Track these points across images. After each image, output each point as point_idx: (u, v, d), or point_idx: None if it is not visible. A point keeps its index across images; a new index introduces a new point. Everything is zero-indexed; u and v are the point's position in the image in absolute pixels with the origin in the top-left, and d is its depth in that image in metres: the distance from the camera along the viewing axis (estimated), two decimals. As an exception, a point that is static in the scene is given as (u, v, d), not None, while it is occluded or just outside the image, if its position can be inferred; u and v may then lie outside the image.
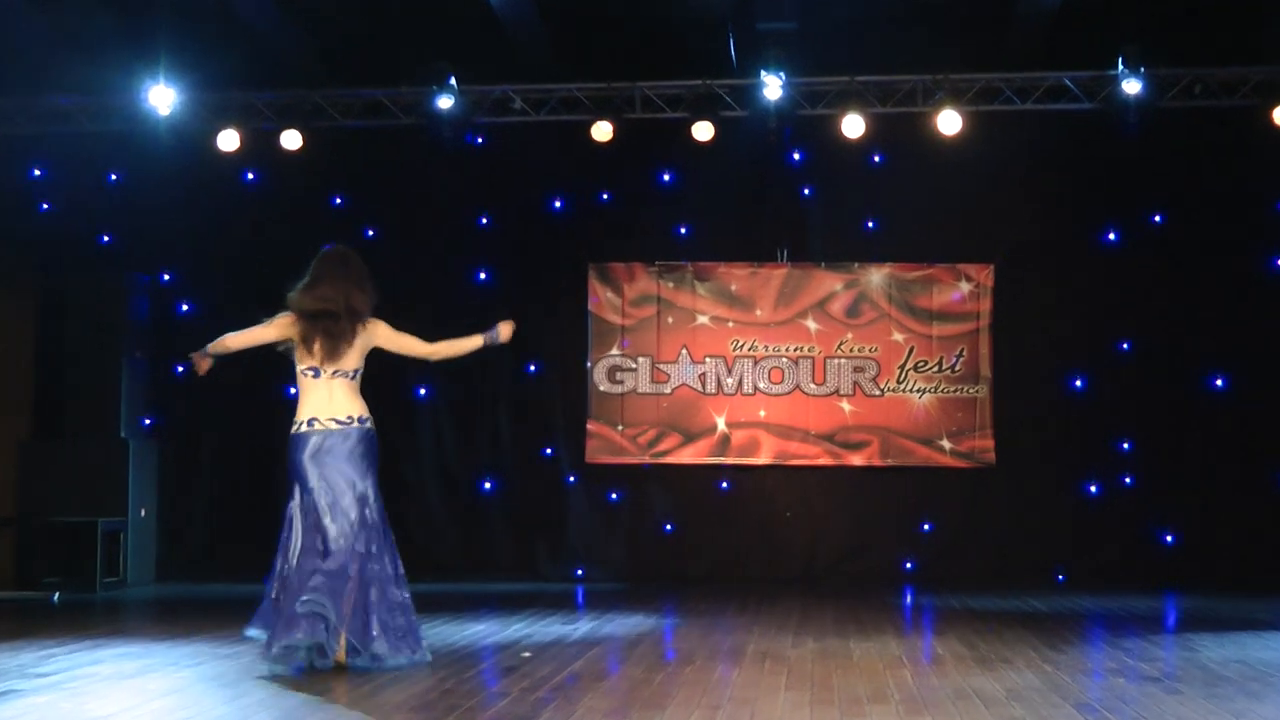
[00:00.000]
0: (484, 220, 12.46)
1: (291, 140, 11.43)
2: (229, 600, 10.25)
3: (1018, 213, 12.11)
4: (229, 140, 11.41)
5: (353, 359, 7.07)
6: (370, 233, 12.37)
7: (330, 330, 6.98)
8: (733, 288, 12.35)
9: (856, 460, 12.20)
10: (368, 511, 7.00)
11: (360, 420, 7.07)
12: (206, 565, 12.20)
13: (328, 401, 7.02)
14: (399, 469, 12.28)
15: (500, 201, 12.45)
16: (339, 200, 12.47)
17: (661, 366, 12.35)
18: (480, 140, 12.14)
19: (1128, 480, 12.03)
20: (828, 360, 12.26)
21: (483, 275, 12.43)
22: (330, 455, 6.96)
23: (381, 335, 7.17)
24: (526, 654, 7.69)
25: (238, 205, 12.39)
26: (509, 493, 12.40)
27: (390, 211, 12.46)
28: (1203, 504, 11.87)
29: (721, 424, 12.27)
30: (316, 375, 7.02)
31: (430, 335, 7.42)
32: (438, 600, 10.58)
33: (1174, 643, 8.19)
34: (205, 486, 12.48)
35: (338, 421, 7.00)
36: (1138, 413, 12.04)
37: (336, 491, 6.94)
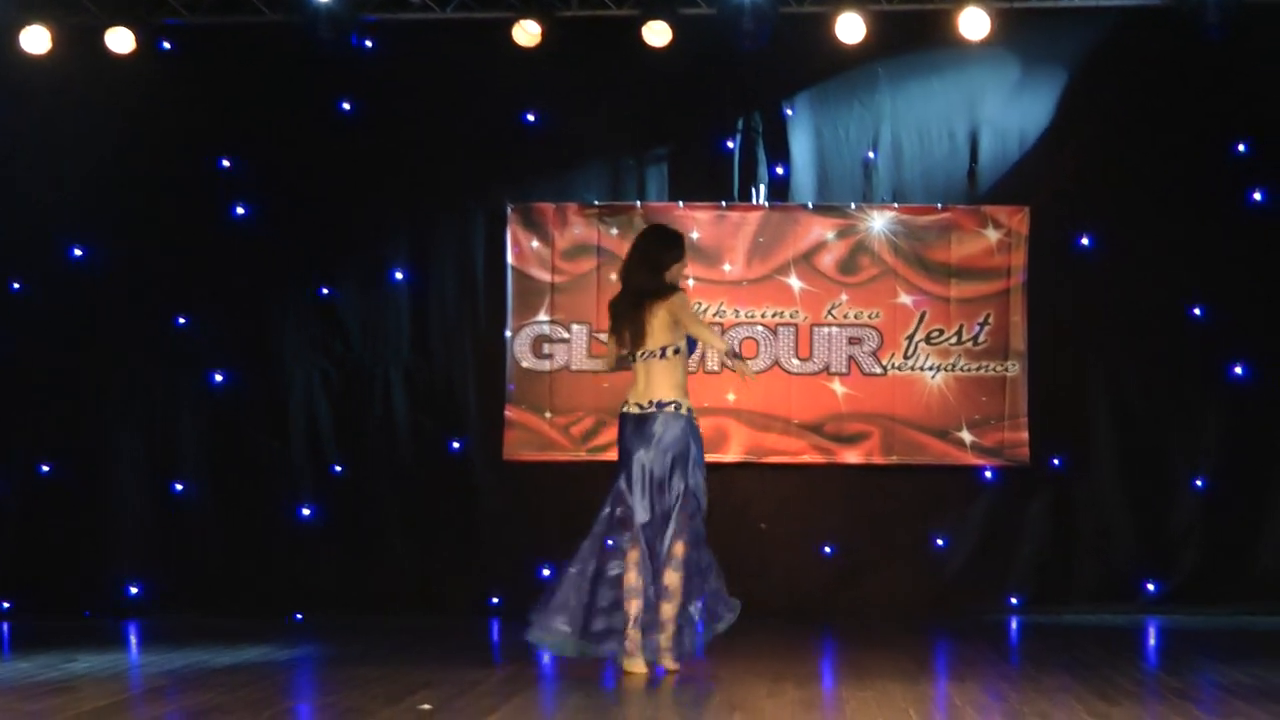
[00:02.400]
0: (373, 147, 12.34)
1: (121, 41, 11.27)
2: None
3: (1061, 141, 12.13)
4: (36, 40, 11.26)
5: (655, 338, 8.60)
6: (225, 163, 12.37)
7: (618, 312, 8.76)
8: (694, 235, 12.28)
9: (851, 457, 12.19)
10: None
11: (658, 405, 8.64)
12: None
13: (635, 386, 8.75)
14: (261, 463, 12.26)
15: (394, 123, 12.36)
16: (182, 122, 12.29)
17: (602, 336, 12.20)
18: (370, 44, 12.09)
19: (1199, 483, 12.09)
20: (815, 329, 12.24)
21: (370, 217, 12.37)
22: (631, 441, 8.75)
23: (674, 308, 8.61)
24: (426, 707, 7.62)
25: (46, 125, 12.26)
26: (403, 499, 12.33)
27: (250, 137, 12.34)
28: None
29: (679, 410, 12.22)
30: (632, 361, 8.73)
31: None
32: (312, 635, 10.52)
33: (1258, 689, 8.17)
34: None
35: (640, 407, 8.71)
36: (1215, 399, 12.11)
37: (632, 478, 8.77)
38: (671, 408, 8.60)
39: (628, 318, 8.66)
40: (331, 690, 8.30)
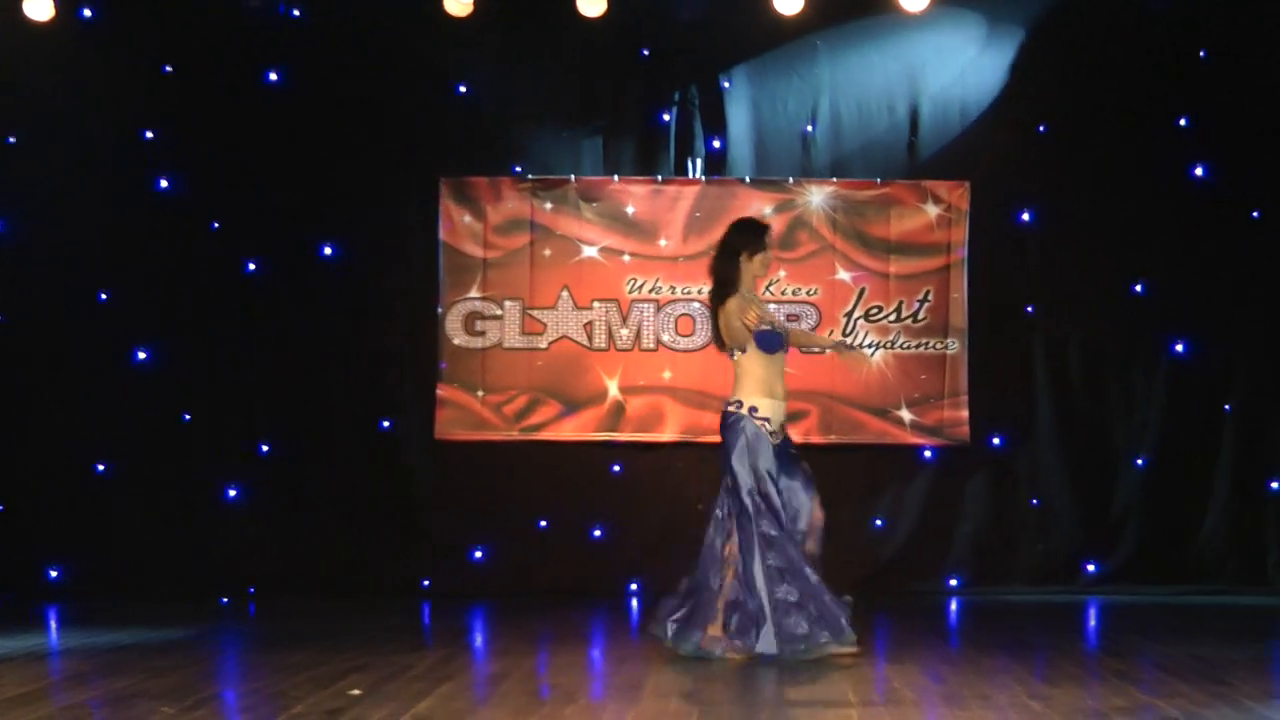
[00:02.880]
0: (301, 119, 12.22)
1: (40, 8, 11.23)
2: None
3: (1001, 115, 12.17)
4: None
5: (727, 338, 8.82)
6: (148, 134, 12.26)
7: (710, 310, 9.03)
8: (630, 210, 12.26)
9: (791, 434, 12.14)
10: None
11: (724, 403, 8.90)
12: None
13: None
14: (186, 442, 12.17)
15: (323, 94, 12.25)
16: (104, 92, 12.10)
17: (535, 313, 12.23)
18: (297, 13, 12.05)
19: (1139, 462, 12.18)
20: (753, 306, 12.20)
21: (299, 190, 12.23)
22: None
23: (726, 314, 8.82)
24: (356, 692, 7.56)
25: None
26: (333, 479, 12.24)
27: (175, 108, 12.23)
28: (1238, 490, 12.15)
29: (614, 389, 12.23)
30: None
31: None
32: (238, 619, 10.43)
33: (1197, 668, 8.20)
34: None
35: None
36: (1156, 377, 12.20)
37: None
38: (733, 407, 8.79)
39: (711, 317, 8.98)
40: (259, 675, 8.21)
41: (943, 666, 8.40)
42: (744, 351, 8.75)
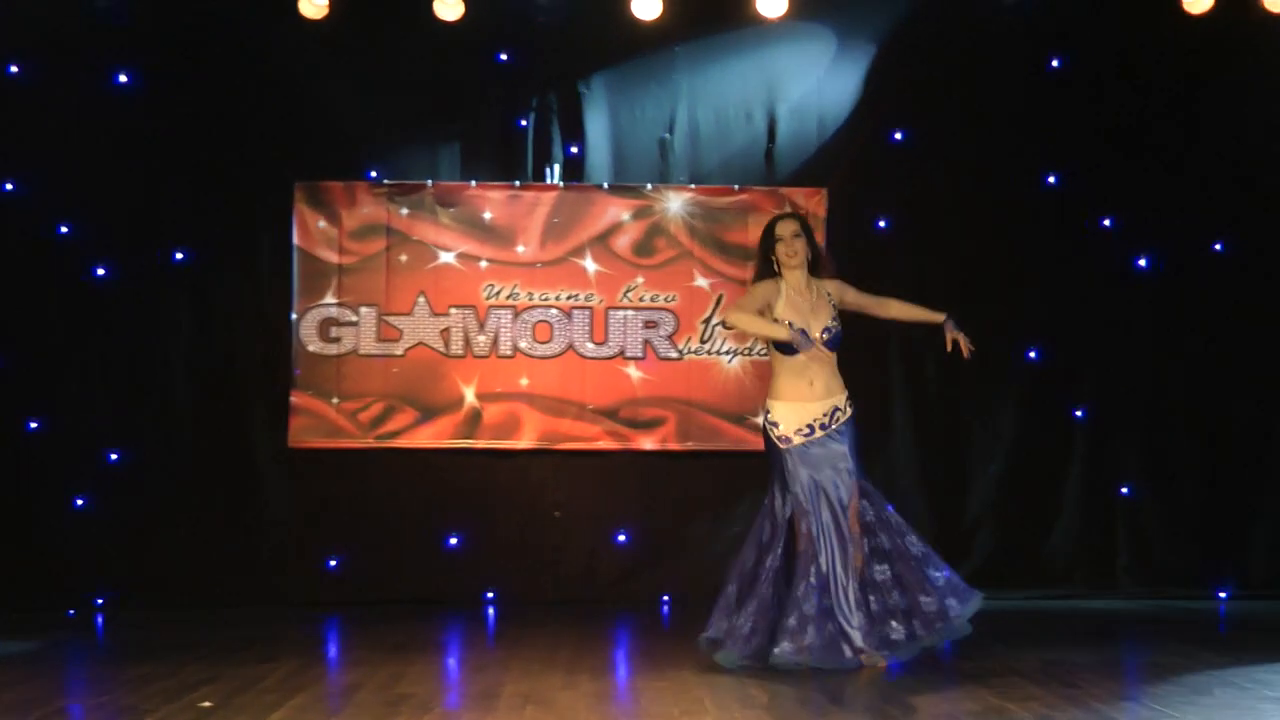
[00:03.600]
0: (152, 121, 12.13)
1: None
2: None
3: (860, 121, 12.32)
4: None
5: None
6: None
7: None
8: (487, 215, 12.28)
9: (647, 443, 12.25)
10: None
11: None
12: None
13: None
14: (33, 450, 12.05)
15: (175, 96, 12.15)
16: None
17: (391, 320, 12.22)
18: (147, 13, 11.94)
19: (992, 468, 12.41)
20: (611, 312, 12.28)
21: (148, 194, 12.13)
22: None
23: None
24: (207, 705, 7.53)
25: None
26: (184, 488, 12.11)
27: (20, 109, 12.06)
28: (1087, 496, 12.39)
29: (470, 395, 12.23)
30: None
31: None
32: (86, 630, 10.33)
33: (1048, 672, 8.36)
34: None
35: None
36: (1010, 384, 12.43)
37: None
38: (760, 416, 9.15)
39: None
40: (107, 688, 8.15)
41: (793, 674, 8.50)
42: (764, 353, 9.18)
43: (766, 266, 9.09)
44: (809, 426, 8.88)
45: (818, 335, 8.92)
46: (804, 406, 8.90)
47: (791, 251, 9.01)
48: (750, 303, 8.96)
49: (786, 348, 8.85)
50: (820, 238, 12.10)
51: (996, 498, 12.35)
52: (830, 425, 8.93)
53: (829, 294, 9.15)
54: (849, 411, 9.10)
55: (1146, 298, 12.39)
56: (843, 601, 8.62)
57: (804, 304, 9.01)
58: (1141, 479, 12.39)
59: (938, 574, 8.84)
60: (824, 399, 8.95)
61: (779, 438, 8.87)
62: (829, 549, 8.68)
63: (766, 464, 9.04)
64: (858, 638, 8.57)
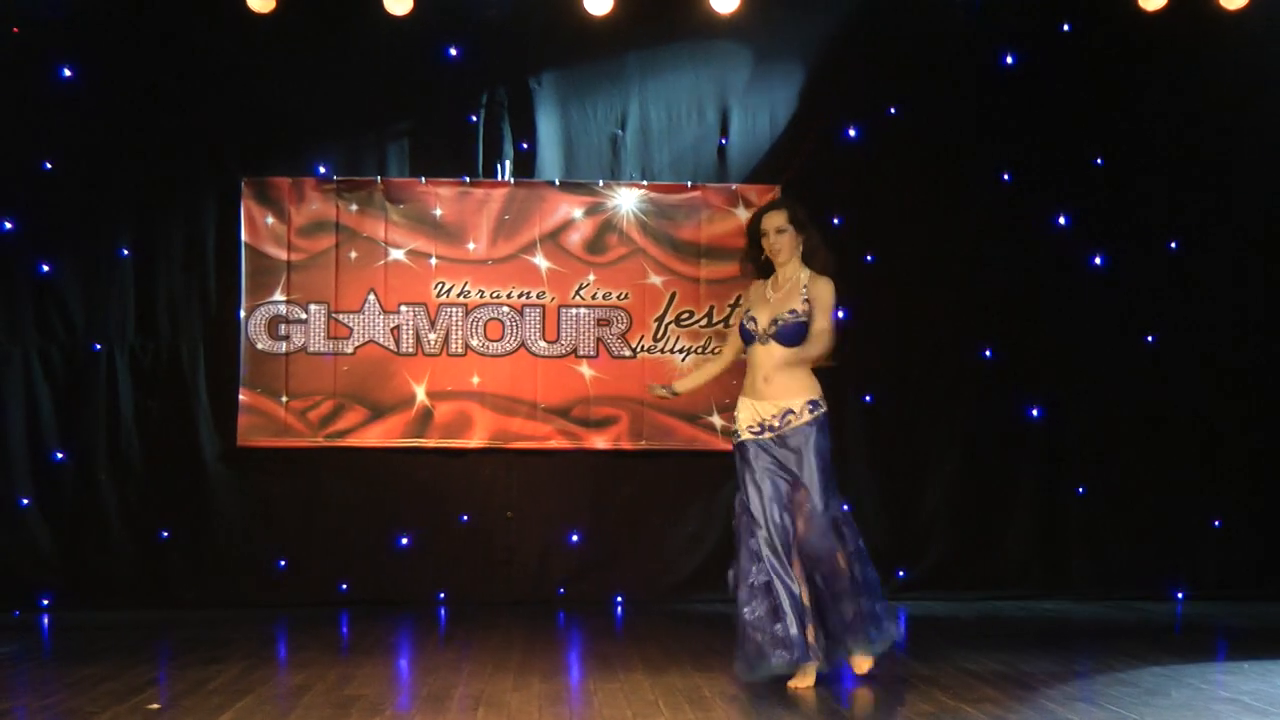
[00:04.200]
0: (97, 116, 12.07)
1: None
2: None
3: (813, 117, 12.34)
4: None
5: None
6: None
7: None
8: (437, 212, 12.27)
9: (600, 442, 12.25)
10: None
11: None
12: None
13: None
14: None
15: (120, 91, 12.10)
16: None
17: (341, 317, 12.19)
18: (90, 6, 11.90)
19: (947, 469, 12.48)
20: (563, 310, 12.28)
21: (93, 190, 12.08)
22: None
23: None
24: (154, 707, 7.50)
25: None
26: (130, 488, 12.08)
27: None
28: (1042, 496, 12.48)
29: (421, 394, 12.22)
30: None
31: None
32: (31, 632, 10.28)
33: (1002, 673, 8.41)
34: None
35: None
36: (964, 384, 12.47)
37: None
38: None
39: None
40: (52, 690, 8.10)
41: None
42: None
43: (756, 262, 8.56)
44: (759, 425, 8.25)
45: (764, 327, 8.30)
46: (757, 404, 8.26)
47: (776, 249, 8.37)
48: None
49: (745, 336, 8.40)
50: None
51: (951, 498, 12.39)
52: (780, 428, 8.20)
53: (805, 287, 8.33)
54: (806, 416, 8.21)
55: (1101, 295, 12.45)
56: (782, 608, 8.05)
57: (772, 293, 8.39)
58: (1096, 480, 12.44)
59: (869, 604, 8.32)
60: (776, 399, 8.22)
61: (733, 431, 8.38)
62: (768, 556, 8.11)
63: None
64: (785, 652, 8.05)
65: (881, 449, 12.40)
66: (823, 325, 8.20)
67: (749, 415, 8.31)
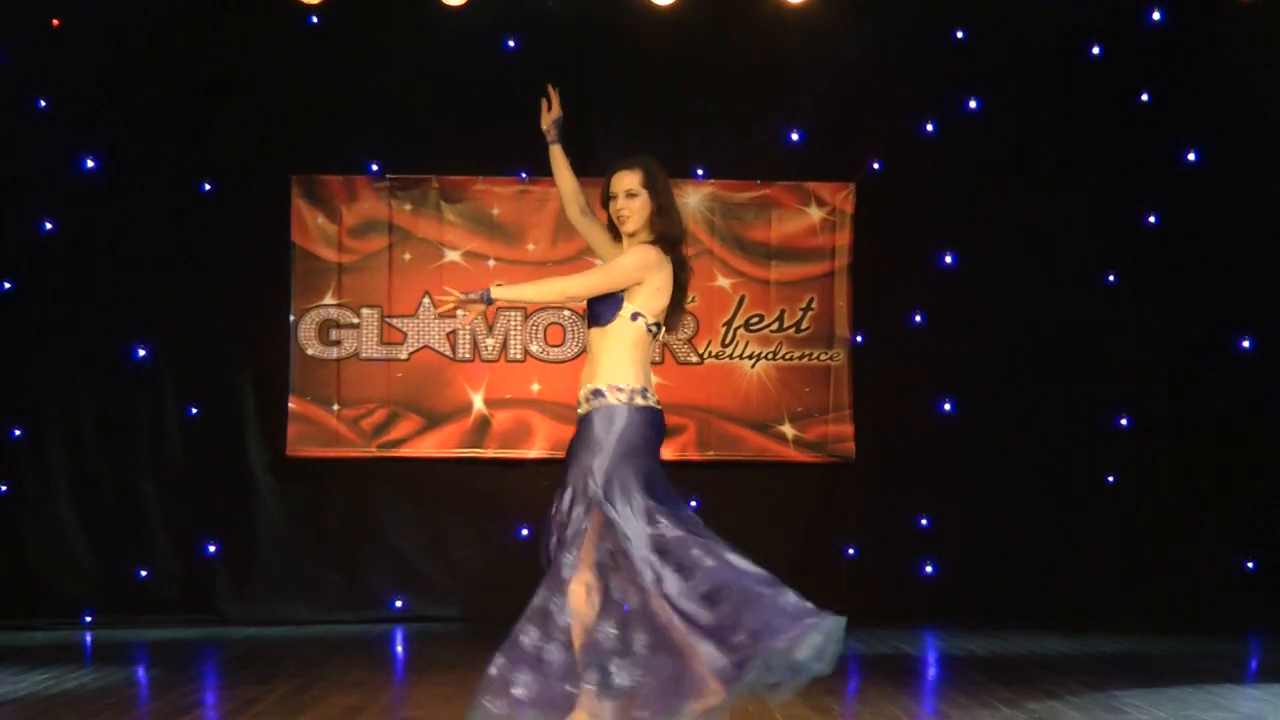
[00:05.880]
0: (145, 111, 12.04)
1: None
2: None
3: (889, 112, 12.21)
4: None
5: None
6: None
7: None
8: (494, 211, 12.18)
9: (665, 452, 11.98)
10: None
11: None
12: None
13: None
14: (20, 464, 12.03)
15: (167, 86, 12.05)
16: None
17: (394, 322, 12.13)
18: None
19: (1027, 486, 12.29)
20: (626, 314, 12.13)
21: (133, 190, 12.04)
22: None
23: None
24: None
25: None
26: (173, 499, 12.04)
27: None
28: (1138, 526, 12.28)
29: (478, 402, 12.14)
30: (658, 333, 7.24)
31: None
32: (64, 654, 10.19)
33: (1094, 701, 8.26)
34: None
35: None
36: (1053, 393, 12.30)
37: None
38: None
39: None
40: (95, 709, 7.99)
41: (819, 692, 8.36)
42: None
43: (611, 227, 7.28)
44: (576, 406, 7.11)
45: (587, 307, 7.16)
46: (581, 387, 7.07)
47: (624, 215, 7.11)
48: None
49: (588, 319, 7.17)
50: (848, 235, 12.07)
51: (1030, 511, 12.24)
52: (579, 409, 7.04)
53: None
54: (602, 402, 6.93)
55: (1186, 300, 12.29)
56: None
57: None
58: (1183, 497, 12.29)
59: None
60: (586, 382, 7.02)
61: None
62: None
63: None
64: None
65: (961, 457, 12.24)
66: (577, 277, 7.26)
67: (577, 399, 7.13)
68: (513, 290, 7.09)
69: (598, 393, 6.95)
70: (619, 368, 6.95)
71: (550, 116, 7.67)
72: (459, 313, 7.04)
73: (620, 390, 6.91)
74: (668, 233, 7.05)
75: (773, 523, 12.12)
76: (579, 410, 7.04)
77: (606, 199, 7.19)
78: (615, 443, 6.94)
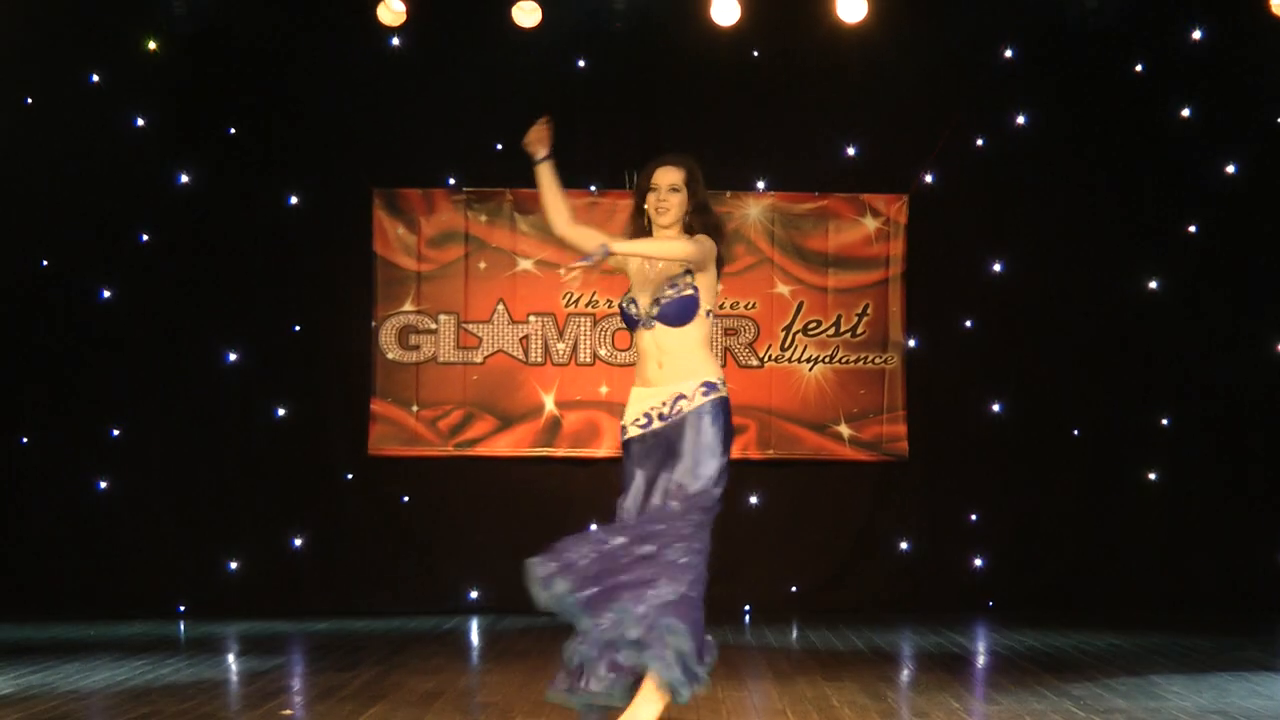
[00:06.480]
0: (235, 125, 12.31)
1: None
2: None
3: (940, 127, 12.26)
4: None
5: None
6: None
7: None
8: (566, 222, 12.28)
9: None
10: None
11: None
12: None
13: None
14: (115, 464, 12.25)
15: (253, 101, 12.28)
16: None
17: (470, 327, 12.31)
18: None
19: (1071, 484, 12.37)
20: (690, 319, 12.25)
21: (224, 202, 12.27)
22: None
23: None
24: (287, 713, 7.59)
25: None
26: (261, 495, 12.25)
27: (82, 109, 12.21)
28: (1179, 521, 12.33)
29: (550, 403, 12.30)
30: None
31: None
32: (159, 644, 10.38)
33: (1136, 688, 8.32)
34: None
35: None
36: (1101, 391, 12.36)
37: None
38: None
39: None
40: (188, 694, 8.10)
41: (880, 684, 8.51)
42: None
43: (639, 216, 7.23)
44: (646, 416, 6.84)
45: (645, 309, 6.94)
46: (645, 392, 6.87)
47: (663, 207, 7.08)
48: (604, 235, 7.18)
49: (629, 322, 7.05)
50: (901, 244, 12.09)
51: (1077, 510, 12.29)
52: (670, 416, 6.76)
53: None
54: (697, 401, 6.75)
55: (1227, 304, 12.39)
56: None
57: (650, 267, 7.07)
58: (1224, 496, 12.32)
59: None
60: (667, 384, 6.82)
61: (622, 428, 6.96)
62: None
63: None
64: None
65: (1009, 456, 12.32)
66: (677, 244, 6.95)
67: (637, 407, 6.90)
68: (626, 245, 7.02)
69: (710, 386, 6.75)
70: (709, 362, 6.85)
71: (544, 136, 7.52)
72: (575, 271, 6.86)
73: (717, 385, 6.78)
74: (718, 224, 7.09)
75: (830, 518, 12.22)
76: (671, 409, 6.74)
77: (644, 189, 7.19)
78: (726, 439, 6.78)
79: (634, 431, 6.84)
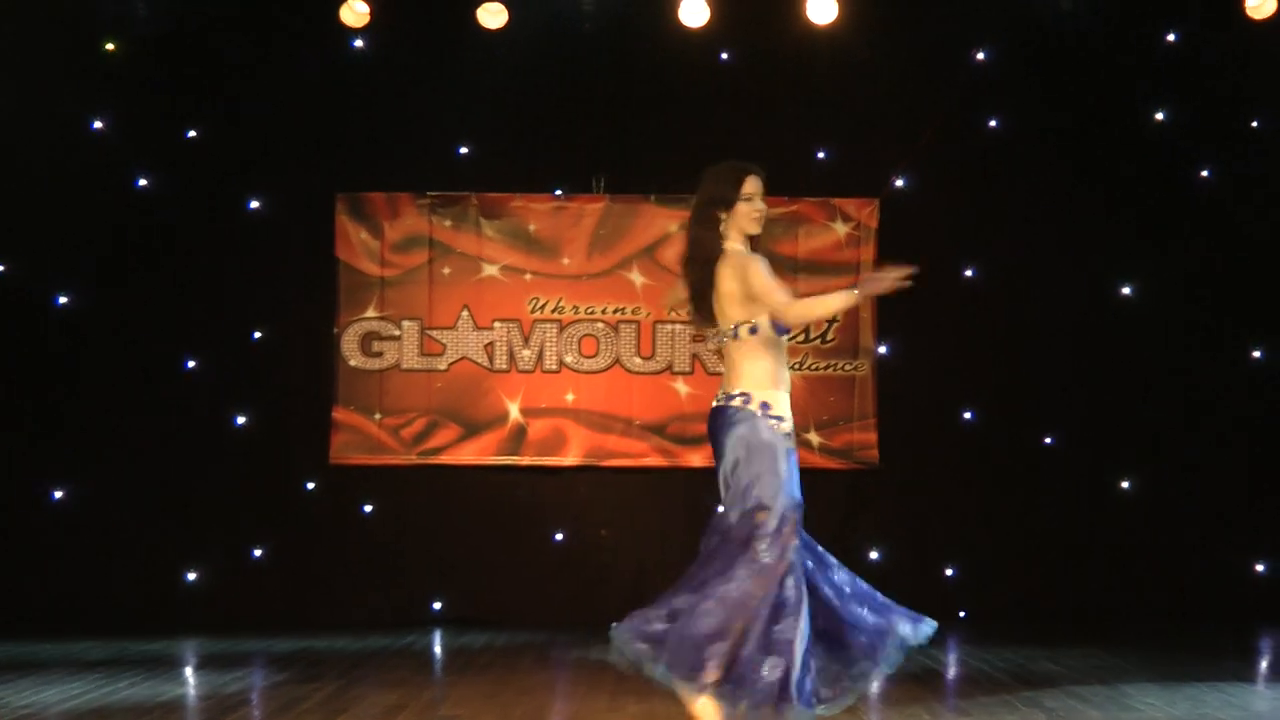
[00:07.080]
0: (189, 132, 12.17)
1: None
2: None
3: (911, 131, 12.12)
4: None
5: (723, 314, 6.86)
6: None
7: (688, 283, 6.99)
8: (531, 227, 12.22)
9: (696, 459, 12.09)
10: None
11: (726, 397, 6.87)
12: None
13: (725, 375, 6.97)
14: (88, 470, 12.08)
15: (212, 105, 12.15)
16: None
17: (434, 334, 12.17)
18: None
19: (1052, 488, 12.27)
20: (658, 326, 12.19)
21: (184, 207, 12.13)
22: (710, 440, 6.97)
23: (729, 273, 6.89)
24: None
25: None
26: (221, 507, 12.08)
27: (39, 112, 12.00)
28: (1153, 531, 12.22)
29: (515, 411, 12.18)
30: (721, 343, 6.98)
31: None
32: (115, 659, 10.24)
33: (1110, 699, 8.25)
34: None
35: (717, 399, 6.93)
36: (1075, 399, 12.30)
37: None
38: (737, 400, 6.82)
39: (698, 291, 6.94)
40: (147, 710, 8.02)
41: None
42: (753, 333, 6.86)
43: (708, 226, 6.94)
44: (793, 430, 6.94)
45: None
46: (787, 397, 6.93)
47: (759, 218, 7.01)
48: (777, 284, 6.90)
49: (783, 327, 6.94)
50: (872, 249, 12.09)
51: (1052, 518, 12.20)
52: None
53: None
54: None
55: (1212, 310, 12.32)
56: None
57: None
58: (1212, 506, 12.22)
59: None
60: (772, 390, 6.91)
61: (786, 434, 6.84)
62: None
63: (744, 472, 6.83)
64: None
65: (980, 464, 12.24)
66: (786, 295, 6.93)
67: (791, 416, 6.95)
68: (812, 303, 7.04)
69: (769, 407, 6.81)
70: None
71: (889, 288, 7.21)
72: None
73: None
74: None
75: (806, 524, 12.11)
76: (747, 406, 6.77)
77: (737, 197, 6.95)
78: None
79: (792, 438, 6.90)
